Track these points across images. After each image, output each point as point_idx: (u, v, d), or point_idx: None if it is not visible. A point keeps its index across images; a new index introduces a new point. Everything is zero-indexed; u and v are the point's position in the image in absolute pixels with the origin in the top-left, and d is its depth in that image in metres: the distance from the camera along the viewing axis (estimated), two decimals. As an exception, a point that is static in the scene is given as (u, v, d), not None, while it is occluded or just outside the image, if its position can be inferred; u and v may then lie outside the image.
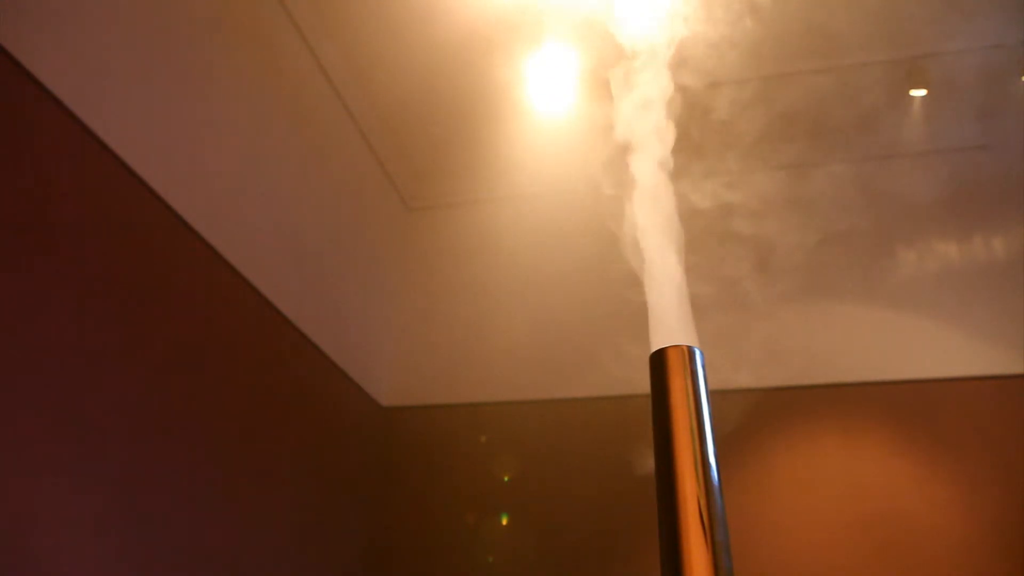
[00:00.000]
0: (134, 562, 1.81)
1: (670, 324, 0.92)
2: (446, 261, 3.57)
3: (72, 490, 1.66)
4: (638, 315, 1.02)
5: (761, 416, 2.87)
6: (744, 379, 2.92)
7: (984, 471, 2.61)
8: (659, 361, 0.88)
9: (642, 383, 0.92)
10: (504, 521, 2.92)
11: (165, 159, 2.08)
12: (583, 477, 2.91)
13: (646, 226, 0.99)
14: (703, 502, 0.78)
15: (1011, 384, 2.71)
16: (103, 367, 1.80)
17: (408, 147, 3.46)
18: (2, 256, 1.56)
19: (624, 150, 1.09)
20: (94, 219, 1.83)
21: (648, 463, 0.84)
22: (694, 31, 1.22)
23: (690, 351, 0.88)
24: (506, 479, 2.99)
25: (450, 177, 3.60)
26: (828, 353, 2.92)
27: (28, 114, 1.67)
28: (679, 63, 1.18)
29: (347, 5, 2.78)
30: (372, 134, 3.29)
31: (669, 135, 1.06)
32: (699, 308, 0.95)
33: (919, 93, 2.95)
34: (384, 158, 3.42)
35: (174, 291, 2.09)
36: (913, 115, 3.01)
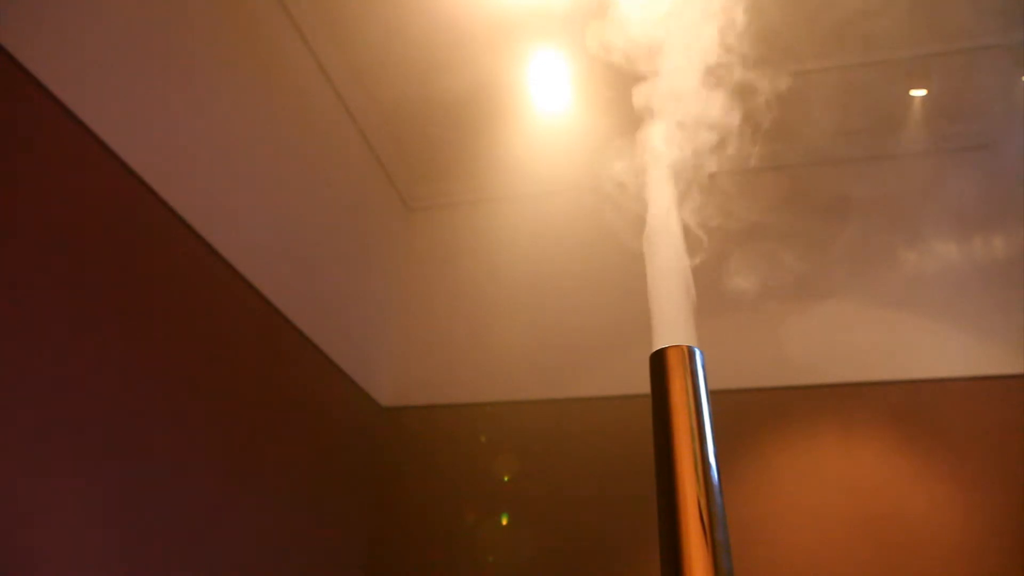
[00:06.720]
0: (134, 562, 1.81)
1: (670, 324, 0.91)
2: (446, 261, 3.57)
3: (72, 490, 1.66)
4: (638, 315, 1.02)
5: (761, 416, 2.87)
6: (744, 379, 2.92)
7: (984, 471, 2.60)
8: (659, 361, 0.88)
9: (642, 383, 0.92)
10: (504, 521, 2.92)
11: (165, 159, 2.08)
12: (583, 477, 2.91)
13: (649, 226, 0.98)
14: (703, 502, 0.78)
15: (1011, 384, 2.71)
16: (102, 366, 1.80)
17: (408, 147, 3.46)
18: (1, 255, 1.56)
19: (629, 153, 1.09)
20: (94, 218, 1.83)
21: (648, 463, 0.84)
22: (692, 31, 1.22)
23: (690, 351, 0.88)
24: (506, 479, 2.99)
25: (450, 177, 3.60)
26: (828, 353, 2.92)
27: (28, 114, 1.67)
28: (679, 63, 1.19)
29: (347, 5, 2.78)
30: (372, 134, 3.29)
31: (675, 137, 1.06)
32: (700, 308, 0.95)
33: (919, 93, 2.96)
34: (384, 158, 3.42)
35: (174, 291, 2.09)
36: (913, 115, 3.01)
